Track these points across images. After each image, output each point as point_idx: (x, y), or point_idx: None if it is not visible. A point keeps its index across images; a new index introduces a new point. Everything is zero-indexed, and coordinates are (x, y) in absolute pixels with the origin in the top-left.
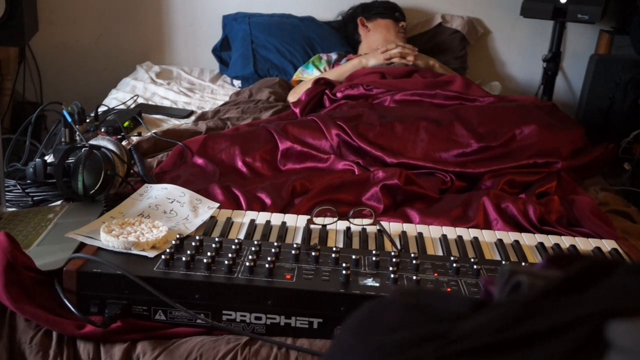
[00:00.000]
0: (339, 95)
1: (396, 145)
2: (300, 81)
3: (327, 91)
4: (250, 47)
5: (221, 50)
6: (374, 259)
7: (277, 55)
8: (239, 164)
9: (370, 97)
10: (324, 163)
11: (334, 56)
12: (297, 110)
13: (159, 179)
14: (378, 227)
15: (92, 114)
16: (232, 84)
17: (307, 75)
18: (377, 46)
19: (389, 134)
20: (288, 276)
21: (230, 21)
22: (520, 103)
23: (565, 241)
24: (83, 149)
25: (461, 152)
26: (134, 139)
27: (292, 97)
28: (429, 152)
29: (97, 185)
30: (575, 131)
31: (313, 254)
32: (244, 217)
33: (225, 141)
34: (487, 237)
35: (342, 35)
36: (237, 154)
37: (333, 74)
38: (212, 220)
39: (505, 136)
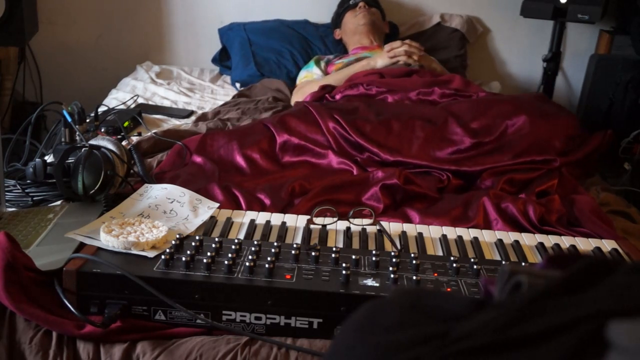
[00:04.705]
0: (337, 97)
1: (393, 142)
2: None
3: (326, 95)
4: (250, 50)
5: (221, 61)
6: (374, 259)
7: (277, 56)
8: (238, 158)
9: (371, 96)
10: (322, 158)
11: (331, 57)
12: None
13: (158, 179)
14: (378, 227)
15: (92, 114)
16: (236, 87)
17: (309, 73)
18: (357, 38)
19: (386, 131)
20: (288, 276)
21: (225, 32)
22: (512, 95)
23: (565, 241)
24: (83, 149)
25: (456, 149)
26: (134, 139)
27: (297, 95)
28: (424, 151)
29: (97, 185)
30: (568, 119)
31: (313, 254)
32: (244, 217)
33: (223, 137)
34: (487, 237)
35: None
36: (236, 148)
37: (339, 78)
38: (212, 220)
39: (498, 130)
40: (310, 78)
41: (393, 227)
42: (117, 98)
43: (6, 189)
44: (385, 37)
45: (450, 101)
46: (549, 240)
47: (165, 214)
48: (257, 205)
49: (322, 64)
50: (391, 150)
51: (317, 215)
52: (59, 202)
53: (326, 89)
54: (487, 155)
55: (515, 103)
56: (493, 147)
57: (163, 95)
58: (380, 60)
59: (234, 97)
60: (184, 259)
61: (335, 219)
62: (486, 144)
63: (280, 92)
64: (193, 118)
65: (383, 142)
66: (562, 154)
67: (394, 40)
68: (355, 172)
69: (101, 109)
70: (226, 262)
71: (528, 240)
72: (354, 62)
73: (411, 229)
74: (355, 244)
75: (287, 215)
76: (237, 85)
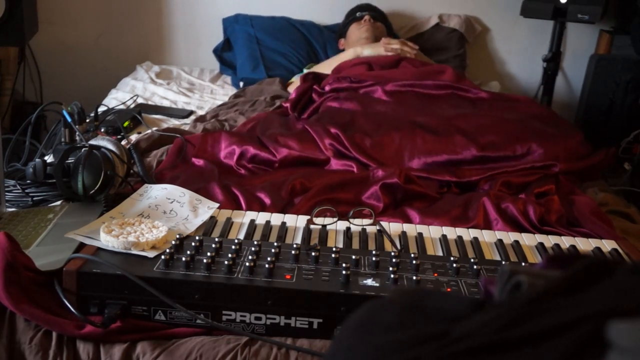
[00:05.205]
0: (327, 88)
1: (393, 156)
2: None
3: (315, 86)
4: (258, 49)
5: (222, 52)
6: (374, 259)
7: (284, 60)
8: (238, 166)
9: (359, 88)
10: (323, 165)
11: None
12: (287, 105)
13: (158, 179)
14: (378, 227)
15: (92, 114)
16: (238, 86)
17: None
18: (359, 43)
19: (386, 144)
20: (288, 276)
21: (231, 23)
22: (520, 116)
23: (565, 241)
24: (83, 149)
25: (460, 159)
26: (133, 138)
27: (291, 88)
28: (426, 162)
29: (97, 186)
30: (575, 139)
31: (313, 254)
32: (244, 217)
33: (225, 140)
34: (487, 237)
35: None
36: (236, 157)
37: (326, 67)
38: (212, 220)
39: (506, 150)
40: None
41: (393, 227)
42: (117, 98)
43: (6, 189)
44: None
45: (452, 112)
46: (549, 241)
47: (165, 214)
48: (257, 205)
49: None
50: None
51: (317, 215)
52: (59, 202)
53: (309, 77)
54: (491, 171)
55: (524, 125)
56: (498, 167)
57: (162, 95)
58: (368, 49)
59: (230, 97)
60: (184, 259)
61: (335, 219)
62: (492, 159)
63: (277, 91)
64: (192, 118)
65: (383, 159)
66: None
67: None
68: (355, 170)
69: (101, 109)
70: (226, 262)
71: (528, 240)
72: None
73: (411, 229)
74: (355, 244)
75: (287, 215)
76: (241, 84)
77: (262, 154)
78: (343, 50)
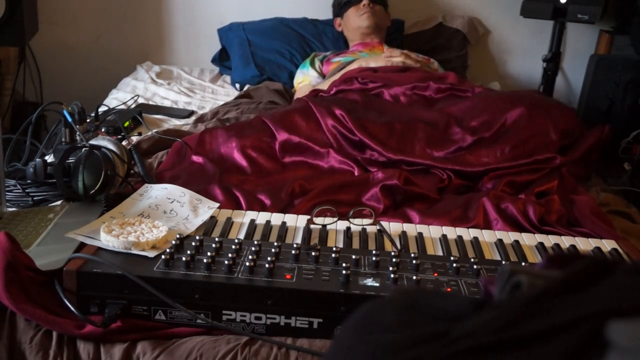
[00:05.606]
0: (333, 91)
1: (395, 142)
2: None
3: (322, 94)
4: (249, 50)
5: (220, 61)
6: (374, 259)
7: (276, 56)
8: (237, 157)
9: (367, 90)
10: (323, 158)
11: (328, 53)
12: None
13: (159, 179)
14: (378, 227)
15: (93, 114)
16: (236, 88)
17: (305, 76)
18: (359, 37)
19: (388, 131)
20: (288, 276)
21: (225, 32)
22: (510, 91)
23: (565, 241)
24: (83, 149)
25: (457, 147)
26: (134, 138)
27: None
28: (427, 151)
29: (97, 185)
30: (565, 111)
31: (313, 254)
32: (244, 217)
33: (222, 135)
34: (487, 237)
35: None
36: (235, 146)
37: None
38: (212, 220)
39: (497, 123)
40: (307, 82)
41: (393, 227)
42: (118, 98)
43: (7, 188)
44: (388, 31)
45: (448, 103)
46: (549, 240)
47: (166, 214)
48: (258, 206)
49: (318, 64)
50: (394, 150)
51: (317, 215)
52: (59, 202)
53: (317, 91)
54: (488, 147)
55: (513, 97)
56: (492, 140)
57: (163, 95)
58: (373, 63)
59: (236, 97)
60: (184, 258)
61: (335, 219)
62: (486, 139)
63: (282, 96)
64: (194, 118)
65: (386, 140)
66: (561, 150)
67: (398, 35)
68: (356, 172)
69: (101, 109)
70: (226, 262)
71: (528, 240)
72: (350, 63)
73: (411, 229)
74: (355, 244)
75: (287, 215)
76: (237, 86)
77: (262, 138)
78: (341, 32)
